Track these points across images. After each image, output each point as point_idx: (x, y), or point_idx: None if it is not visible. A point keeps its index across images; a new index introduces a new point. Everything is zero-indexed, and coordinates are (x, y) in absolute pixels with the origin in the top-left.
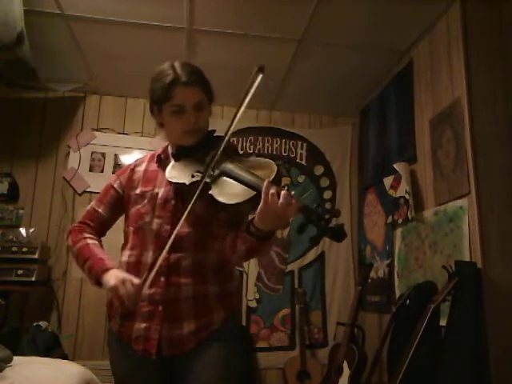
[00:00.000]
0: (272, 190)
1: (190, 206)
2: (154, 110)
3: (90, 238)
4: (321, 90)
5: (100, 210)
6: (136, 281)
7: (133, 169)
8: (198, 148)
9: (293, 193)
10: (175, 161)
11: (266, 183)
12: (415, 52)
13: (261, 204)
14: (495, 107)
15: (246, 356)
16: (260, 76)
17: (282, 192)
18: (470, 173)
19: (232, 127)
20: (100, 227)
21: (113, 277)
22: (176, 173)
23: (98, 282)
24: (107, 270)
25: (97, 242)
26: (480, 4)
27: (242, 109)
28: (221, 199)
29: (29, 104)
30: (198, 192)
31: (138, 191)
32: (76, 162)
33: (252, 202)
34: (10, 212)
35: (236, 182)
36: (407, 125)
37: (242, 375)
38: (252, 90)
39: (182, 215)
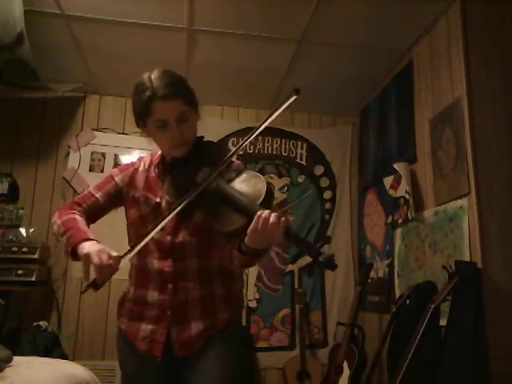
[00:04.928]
0: (264, 215)
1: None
2: (140, 124)
3: (78, 215)
4: (321, 90)
5: (97, 195)
6: (114, 253)
7: (136, 169)
8: (190, 158)
9: (289, 193)
10: (171, 173)
11: (258, 213)
12: (415, 52)
13: (251, 226)
14: (495, 107)
15: (247, 356)
16: (294, 97)
17: (272, 214)
18: (470, 173)
19: (245, 143)
20: (92, 211)
21: (91, 246)
22: (173, 189)
23: (74, 252)
24: (87, 239)
25: (84, 220)
26: (480, 4)
27: (266, 124)
28: (214, 225)
29: (29, 104)
30: (179, 209)
31: (139, 194)
32: (76, 161)
33: (245, 227)
34: (9, 212)
35: (228, 207)
36: (407, 125)
37: (243, 375)
38: (283, 108)
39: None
